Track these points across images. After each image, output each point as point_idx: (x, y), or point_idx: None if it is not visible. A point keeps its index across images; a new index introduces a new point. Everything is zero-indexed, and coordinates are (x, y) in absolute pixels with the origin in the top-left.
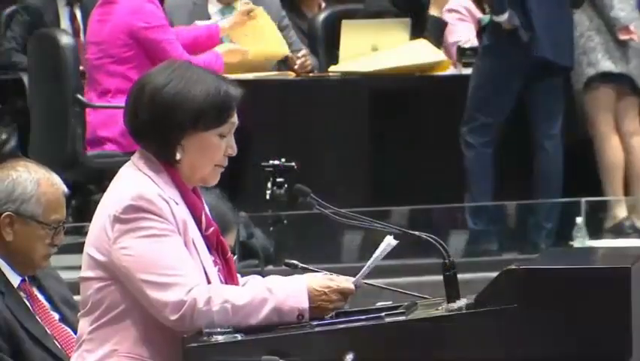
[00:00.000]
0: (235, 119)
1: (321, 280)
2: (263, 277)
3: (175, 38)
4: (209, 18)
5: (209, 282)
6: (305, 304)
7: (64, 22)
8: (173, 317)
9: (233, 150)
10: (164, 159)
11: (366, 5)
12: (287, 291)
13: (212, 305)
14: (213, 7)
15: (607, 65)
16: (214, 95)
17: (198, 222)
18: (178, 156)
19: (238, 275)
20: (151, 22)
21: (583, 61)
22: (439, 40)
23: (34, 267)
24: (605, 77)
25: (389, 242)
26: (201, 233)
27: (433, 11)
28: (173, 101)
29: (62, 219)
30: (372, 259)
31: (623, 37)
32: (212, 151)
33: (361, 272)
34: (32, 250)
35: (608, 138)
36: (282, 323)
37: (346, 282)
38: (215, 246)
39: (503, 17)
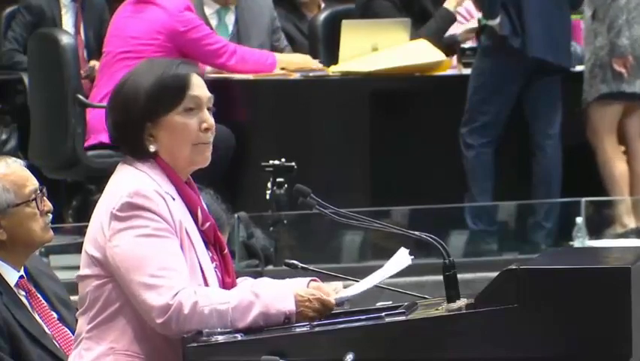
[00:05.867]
0: (197, 92)
1: (305, 287)
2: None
3: (213, 32)
4: (207, 19)
5: (205, 279)
6: (292, 307)
7: (67, 19)
8: (159, 320)
9: (209, 124)
10: (140, 155)
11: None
12: (273, 295)
13: (199, 309)
14: (209, 9)
15: (621, 85)
16: (161, 79)
17: (194, 217)
18: (152, 148)
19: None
20: (189, 25)
21: (598, 75)
22: (442, 32)
23: (37, 245)
24: (617, 95)
25: (403, 259)
26: (198, 228)
27: (448, 4)
28: (125, 97)
29: (36, 187)
30: (379, 276)
31: (617, 67)
32: (182, 131)
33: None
34: (29, 231)
35: (613, 152)
36: (269, 326)
37: (330, 294)
38: (212, 241)
39: (495, 22)
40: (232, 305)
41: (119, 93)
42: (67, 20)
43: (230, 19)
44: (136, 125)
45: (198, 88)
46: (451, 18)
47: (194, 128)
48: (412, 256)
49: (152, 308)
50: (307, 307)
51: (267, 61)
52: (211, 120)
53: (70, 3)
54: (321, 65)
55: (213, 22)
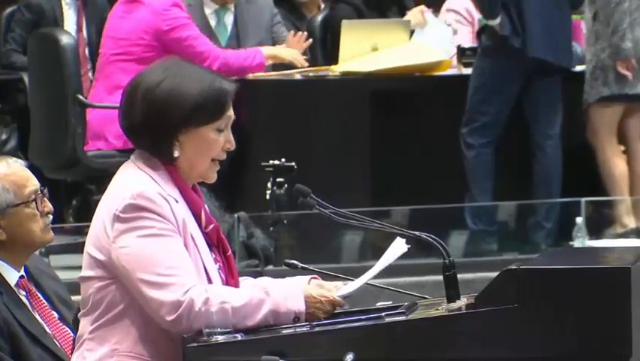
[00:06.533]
0: (231, 112)
1: (317, 288)
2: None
3: (201, 34)
4: (206, 19)
5: (209, 280)
6: (302, 307)
7: (69, 16)
8: (170, 318)
9: (232, 145)
10: (161, 158)
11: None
12: (284, 294)
13: (210, 306)
14: (208, 9)
15: (623, 88)
16: (208, 90)
17: (198, 220)
18: (176, 153)
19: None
20: (174, 24)
21: (599, 77)
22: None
23: (37, 245)
24: (618, 97)
25: (399, 248)
26: (201, 230)
27: (409, 16)
28: (166, 99)
29: (37, 187)
30: (378, 267)
31: (620, 69)
32: (209, 146)
33: (368, 274)
34: (29, 232)
35: (613, 152)
36: (278, 325)
37: (338, 292)
38: (215, 243)
39: (495, 22)
40: (242, 303)
41: (152, 94)
42: (69, 18)
43: (229, 19)
44: (170, 129)
45: (231, 108)
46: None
47: (220, 145)
48: (409, 246)
49: (162, 305)
50: (319, 309)
51: (253, 62)
52: (234, 142)
53: (72, 0)
54: (305, 62)
55: (212, 22)
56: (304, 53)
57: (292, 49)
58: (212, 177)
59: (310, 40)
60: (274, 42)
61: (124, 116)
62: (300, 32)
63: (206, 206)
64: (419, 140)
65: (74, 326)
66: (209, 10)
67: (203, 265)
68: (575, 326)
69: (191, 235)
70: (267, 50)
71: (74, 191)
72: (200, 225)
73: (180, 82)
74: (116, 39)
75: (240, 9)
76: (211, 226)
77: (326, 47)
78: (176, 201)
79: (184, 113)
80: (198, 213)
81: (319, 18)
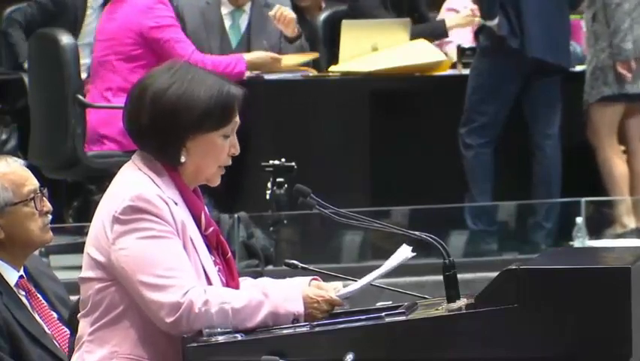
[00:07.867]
0: (237, 118)
1: (315, 289)
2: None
3: (184, 38)
4: (221, 19)
5: (209, 282)
6: (301, 309)
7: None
8: (169, 319)
9: (237, 150)
10: (166, 162)
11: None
12: (283, 296)
13: (209, 308)
14: (225, 9)
15: (624, 87)
16: (217, 96)
17: (198, 222)
18: (183, 159)
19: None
20: (160, 22)
21: (599, 77)
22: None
23: (36, 245)
24: (619, 97)
25: (404, 253)
26: (201, 233)
27: (450, 21)
28: (176, 104)
29: (36, 187)
30: (380, 270)
31: (620, 70)
32: (217, 152)
33: (372, 276)
34: (27, 231)
35: (613, 152)
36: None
37: (338, 293)
38: (215, 246)
39: (493, 23)
40: (242, 304)
41: (161, 98)
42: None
43: (243, 21)
44: (179, 134)
45: (237, 114)
46: (441, 33)
47: (226, 151)
48: (415, 254)
49: (161, 307)
50: (316, 309)
51: (233, 70)
52: (238, 147)
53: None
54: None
55: (227, 22)
56: (299, 36)
57: (263, 52)
58: (217, 181)
59: (294, 15)
60: (280, 48)
61: (130, 119)
62: (274, 12)
63: (206, 209)
64: (419, 140)
65: (72, 327)
66: (225, 11)
67: (203, 267)
68: (575, 326)
69: (191, 238)
70: (249, 57)
71: (74, 191)
72: (199, 227)
73: (189, 87)
74: (103, 41)
75: (255, 12)
76: (211, 229)
77: (327, 47)
78: (176, 204)
79: (193, 119)
80: (198, 216)
81: (321, 17)
